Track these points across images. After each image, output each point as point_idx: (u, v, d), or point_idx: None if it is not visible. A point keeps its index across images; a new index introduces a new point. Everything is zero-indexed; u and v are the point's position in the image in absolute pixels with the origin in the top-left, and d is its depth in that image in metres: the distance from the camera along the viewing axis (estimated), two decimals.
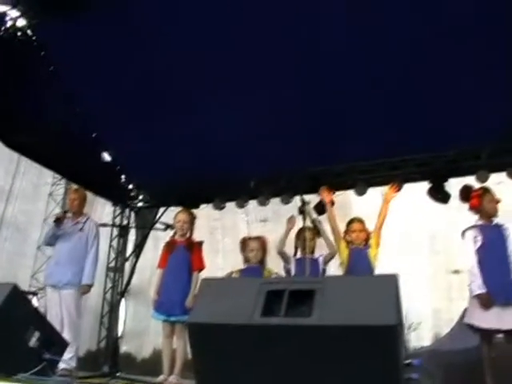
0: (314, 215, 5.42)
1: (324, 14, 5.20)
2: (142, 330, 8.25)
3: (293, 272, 5.43)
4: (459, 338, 6.85)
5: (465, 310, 5.16)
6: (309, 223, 5.11)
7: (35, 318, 3.81)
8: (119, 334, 8.07)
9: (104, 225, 7.40)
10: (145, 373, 7.09)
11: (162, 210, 8.08)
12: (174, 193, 7.85)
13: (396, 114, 5.99)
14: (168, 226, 6.45)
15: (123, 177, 7.95)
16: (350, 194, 7.22)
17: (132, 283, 8.17)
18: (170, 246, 5.70)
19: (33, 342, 3.64)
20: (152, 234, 8.08)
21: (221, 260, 8.40)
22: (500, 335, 4.72)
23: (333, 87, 5.84)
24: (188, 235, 5.73)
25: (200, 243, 5.75)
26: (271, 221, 7.87)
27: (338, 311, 2.63)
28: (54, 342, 3.97)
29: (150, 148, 7.03)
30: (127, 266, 8.28)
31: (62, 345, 4.21)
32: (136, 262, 8.12)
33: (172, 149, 6.94)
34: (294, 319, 2.66)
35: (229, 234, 8.43)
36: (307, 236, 5.14)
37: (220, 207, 7.80)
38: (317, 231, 5.42)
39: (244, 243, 5.75)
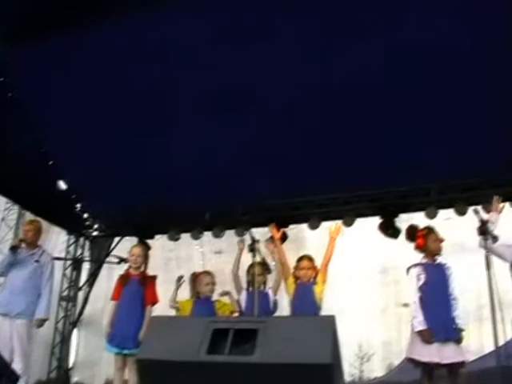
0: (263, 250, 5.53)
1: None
2: (94, 360, 8.18)
3: (243, 304, 5.53)
4: (408, 369, 7.02)
5: None
6: (258, 259, 5.22)
7: None
8: (70, 364, 8.00)
9: (58, 258, 7.35)
10: None
11: (116, 239, 8.12)
12: (129, 223, 7.90)
13: (350, 151, 6.19)
14: (122, 260, 6.48)
15: (78, 205, 7.94)
16: (304, 228, 7.40)
17: (85, 313, 8.14)
18: (124, 278, 5.74)
19: None
20: (106, 264, 8.08)
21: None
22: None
23: (286, 125, 6.02)
24: (142, 269, 5.79)
25: (154, 277, 5.81)
26: (226, 252, 7.94)
27: (278, 350, 2.74)
28: (5, 374, 3.97)
29: (106, 178, 7.08)
30: (80, 295, 8.24)
31: (13, 377, 4.21)
32: (89, 291, 8.09)
33: (128, 179, 6.98)
34: (237, 357, 2.76)
35: (183, 266, 8.46)
36: (256, 271, 5.25)
37: (175, 238, 7.87)
38: (266, 267, 5.55)
39: (197, 277, 5.83)
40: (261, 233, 6.46)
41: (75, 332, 8.12)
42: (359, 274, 7.45)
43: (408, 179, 6.46)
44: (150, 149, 6.63)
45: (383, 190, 6.89)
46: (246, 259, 5.73)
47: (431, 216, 6.64)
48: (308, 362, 2.66)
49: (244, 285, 5.67)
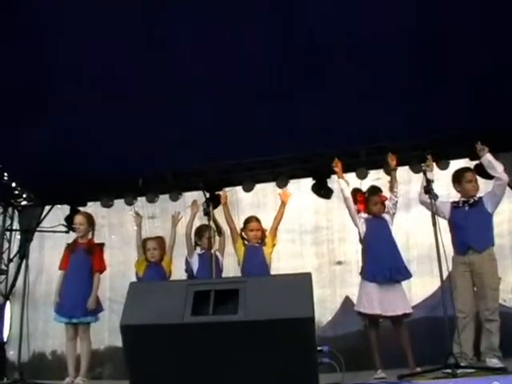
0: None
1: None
2: (29, 333, 8.03)
3: (195, 266, 5.64)
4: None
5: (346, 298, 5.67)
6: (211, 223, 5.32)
7: None
8: (5, 338, 7.83)
9: None
10: (34, 377, 6.95)
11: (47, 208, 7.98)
12: (60, 191, 7.76)
13: (282, 114, 6.30)
14: (64, 226, 6.35)
15: (6, 174, 7.70)
16: (238, 190, 7.54)
17: (17, 285, 7.96)
18: (71, 247, 5.69)
19: None
20: (37, 234, 7.90)
21: (108, 257, 8.39)
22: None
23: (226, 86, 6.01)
24: (89, 237, 5.75)
25: (101, 245, 5.80)
26: (159, 217, 7.97)
27: (261, 307, 2.87)
28: None
29: (33, 146, 6.88)
30: (11, 267, 8.05)
31: None
32: (21, 263, 7.91)
33: (55, 147, 6.81)
34: (221, 317, 2.87)
35: (116, 232, 8.41)
36: (212, 234, 5.35)
37: (108, 205, 7.82)
38: (218, 230, 5.66)
39: (144, 242, 5.88)
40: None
41: (8, 305, 7.93)
42: (293, 234, 7.70)
43: (339, 142, 6.67)
44: (74, 119, 6.46)
45: (314, 151, 7.10)
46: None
47: (362, 176, 6.95)
48: (291, 316, 2.81)
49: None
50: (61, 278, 5.62)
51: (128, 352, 2.93)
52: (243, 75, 5.75)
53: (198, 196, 6.37)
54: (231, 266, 6.09)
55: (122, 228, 8.35)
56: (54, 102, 6.19)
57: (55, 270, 5.96)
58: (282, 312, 2.83)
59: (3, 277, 7.97)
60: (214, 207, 6.01)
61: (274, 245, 5.63)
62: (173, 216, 6.07)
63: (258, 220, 5.70)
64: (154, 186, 7.72)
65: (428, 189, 4.57)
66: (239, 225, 5.84)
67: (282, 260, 6.88)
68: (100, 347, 7.38)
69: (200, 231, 5.75)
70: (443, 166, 6.50)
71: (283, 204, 5.74)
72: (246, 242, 5.64)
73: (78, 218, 5.83)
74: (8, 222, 8.10)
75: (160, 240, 5.90)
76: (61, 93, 6.04)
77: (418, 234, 6.66)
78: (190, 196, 7.32)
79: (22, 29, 5.24)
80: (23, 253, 7.88)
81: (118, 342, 3.23)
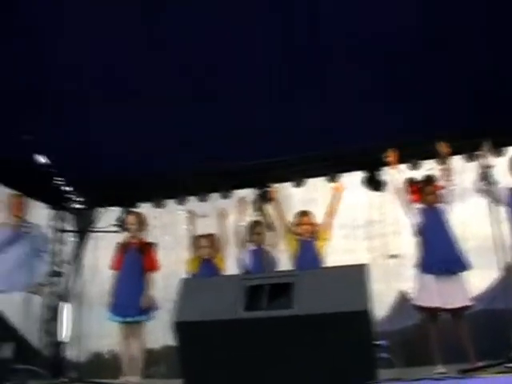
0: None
1: None
2: (85, 333, 8.16)
3: (248, 262, 5.60)
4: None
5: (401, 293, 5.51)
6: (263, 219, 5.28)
7: (4, 329, 3.78)
8: (63, 339, 7.95)
9: (48, 229, 7.26)
10: (94, 376, 7.07)
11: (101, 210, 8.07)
12: (111, 193, 7.83)
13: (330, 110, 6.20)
14: (118, 227, 6.41)
15: (58, 178, 7.81)
16: (288, 186, 7.47)
17: (74, 286, 8.07)
18: (123, 247, 5.74)
19: (4, 353, 3.62)
20: (90, 235, 8.02)
21: (161, 257, 8.44)
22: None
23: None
24: (140, 236, 5.79)
25: (153, 244, 5.82)
26: (211, 216, 7.96)
27: (315, 301, 2.81)
28: (25, 352, 3.95)
29: (84, 149, 6.97)
30: (67, 268, 8.16)
31: (33, 353, 4.19)
32: (76, 264, 8.02)
33: (106, 150, 6.88)
34: (276, 311, 2.82)
35: (168, 232, 8.45)
36: (263, 230, 5.31)
37: (160, 205, 7.86)
38: (270, 226, 5.60)
39: (196, 240, 5.87)
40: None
41: (65, 306, 8.05)
42: (346, 229, 7.60)
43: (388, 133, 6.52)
44: (125, 117, 6.50)
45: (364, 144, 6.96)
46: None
47: (414, 167, 6.79)
48: (345, 310, 2.74)
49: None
50: (114, 278, 5.66)
51: (180, 349, 2.91)
52: None
53: (249, 193, 6.35)
54: (283, 261, 6.02)
55: (174, 228, 8.37)
56: (94, 101, 6.26)
57: (109, 271, 6.02)
58: (336, 305, 2.77)
59: (59, 279, 8.09)
60: (265, 203, 5.98)
61: (327, 239, 5.54)
62: (221, 213, 6.04)
63: (309, 214, 5.62)
64: (205, 185, 7.71)
65: (485, 175, 4.41)
66: (290, 220, 5.76)
67: (335, 255, 6.77)
68: (154, 346, 7.44)
69: (251, 227, 5.71)
70: (499, 153, 6.29)
71: (337, 197, 5.64)
72: (298, 237, 5.56)
73: (130, 218, 5.88)
74: (62, 224, 8.20)
75: (212, 237, 5.88)
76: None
77: (474, 224, 6.46)
78: (240, 193, 7.29)
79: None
80: (78, 254, 8.03)
81: (173, 341, 3.22)
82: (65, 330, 7.86)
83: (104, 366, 7.90)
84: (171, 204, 7.89)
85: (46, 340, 7.81)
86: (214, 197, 7.69)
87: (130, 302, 5.48)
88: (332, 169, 7.22)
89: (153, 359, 6.51)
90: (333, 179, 7.11)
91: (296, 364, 2.80)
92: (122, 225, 5.83)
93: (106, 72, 5.79)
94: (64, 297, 8.01)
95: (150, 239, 6.14)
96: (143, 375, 5.50)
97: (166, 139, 6.62)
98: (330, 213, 5.62)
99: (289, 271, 3.82)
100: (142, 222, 5.86)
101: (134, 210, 7.45)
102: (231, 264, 5.92)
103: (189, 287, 3.05)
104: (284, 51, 5.45)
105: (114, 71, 5.81)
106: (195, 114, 6.30)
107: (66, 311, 7.99)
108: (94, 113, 6.45)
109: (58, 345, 7.72)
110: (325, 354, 2.80)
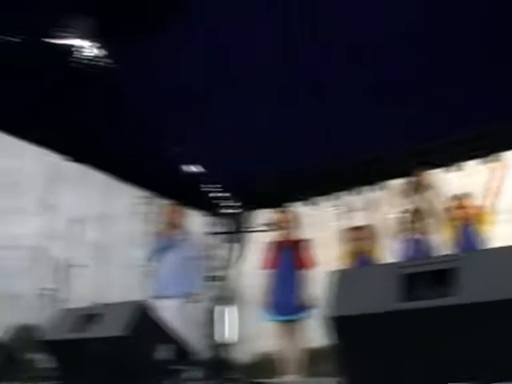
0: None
1: None
2: (248, 334, 8.24)
3: (404, 251, 5.33)
4: None
5: None
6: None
7: (162, 331, 3.84)
8: (226, 340, 8.09)
9: (203, 235, 7.43)
10: (255, 376, 7.08)
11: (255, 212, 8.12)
12: (263, 195, 7.87)
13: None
14: (268, 226, 6.38)
15: (211, 185, 7.99)
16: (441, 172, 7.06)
17: (234, 289, 8.20)
18: (275, 245, 5.69)
19: (162, 354, 3.65)
20: (245, 236, 8.10)
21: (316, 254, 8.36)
22: None
23: None
24: (292, 234, 5.71)
25: (306, 240, 5.72)
26: (364, 209, 7.74)
27: (481, 287, 2.51)
28: (181, 353, 3.99)
29: (232, 152, 7.04)
30: (227, 272, 8.31)
31: (189, 355, 4.23)
32: (234, 268, 8.14)
33: (258, 153, 6.92)
34: (438, 300, 2.56)
35: (321, 229, 8.34)
36: (420, 219, 5.04)
37: (312, 203, 7.77)
38: (425, 213, 5.32)
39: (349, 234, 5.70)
40: None
41: (225, 309, 8.19)
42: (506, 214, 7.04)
43: None
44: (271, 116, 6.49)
45: None
46: None
47: None
48: None
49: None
50: (268, 277, 5.62)
51: (338, 345, 2.74)
52: None
53: (402, 182, 6.08)
54: (442, 250, 5.66)
55: (327, 224, 8.26)
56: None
57: (264, 271, 5.99)
58: (505, 292, 2.44)
59: (217, 283, 8.24)
60: (420, 191, 5.68)
61: (488, 223, 5.12)
62: (373, 205, 5.81)
63: (467, 197, 5.23)
64: (358, 178, 7.51)
65: None
66: (447, 206, 5.40)
67: (497, 243, 6.27)
68: (314, 344, 7.33)
69: (406, 217, 5.43)
70: None
71: (498, 178, 5.20)
72: (457, 223, 5.19)
73: (281, 216, 5.84)
74: (217, 230, 8.36)
75: (366, 229, 5.67)
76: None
77: None
78: (393, 183, 7.02)
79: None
80: (234, 258, 8.13)
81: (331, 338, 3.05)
82: (226, 333, 8.00)
83: (264, 366, 7.91)
84: (323, 201, 7.79)
85: (207, 342, 8.00)
86: (366, 189, 7.48)
87: (287, 300, 5.41)
88: (491, 149, 6.71)
89: (313, 358, 6.38)
90: (493, 159, 6.61)
91: (460, 358, 2.52)
92: (274, 224, 5.73)
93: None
94: (223, 300, 8.16)
95: (303, 237, 6.03)
96: (304, 374, 5.40)
97: (315, 133, 6.53)
98: (491, 195, 5.17)
99: (450, 256, 3.48)
100: (293, 220, 5.80)
101: (286, 209, 7.44)
102: (387, 256, 5.67)
103: (343, 279, 2.87)
104: None
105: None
106: (348, 105, 6.19)
107: (226, 314, 8.14)
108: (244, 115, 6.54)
109: (218, 347, 7.87)
110: (497, 347, 2.49)
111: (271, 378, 5.80)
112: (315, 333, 6.82)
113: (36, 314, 5.65)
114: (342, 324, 2.69)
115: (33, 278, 6.37)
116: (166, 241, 6.09)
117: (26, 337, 5.97)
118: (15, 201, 6.89)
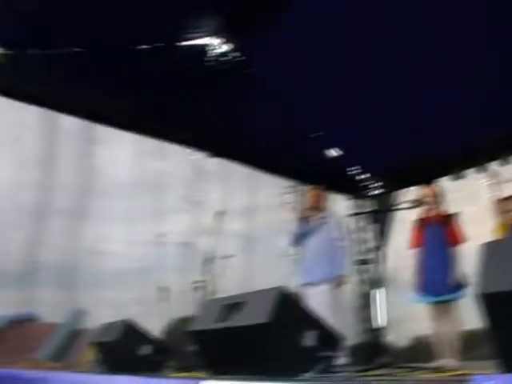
0: None
1: None
2: (400, 317, 8.02)
3: None
4: None
5: None
6: None
7: (307, 317, 3.76)
8: (379, 324, 7.93)
9: (348, 218, 7.36)
10: (408, 361, 6.86)
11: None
12: (407, 174, 7.63)
13: None
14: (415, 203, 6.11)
15: (353, 168, 7.90)
16: None
17: (383, 271, 8.03)
18: (421, 223, 5.42)
19: (308, 341, 3.58)
20: (392, 218, 7.92)
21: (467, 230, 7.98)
22: None
23: None
24: (438, 209, 5.42)
25: (455, 215, 5.39)
26: None
27: None
28: (328, 339, 3.89)
29: (376, 135, 6.91)
30: (375, 254, 8.16)
31: (336, 341, 4.12)
32: (382, 249, 7.98)
33: (396, 132, 6.74)
34: None
35: (471, 203, 7.90)
36: None
37: (458, 177, 7.40)
38: None
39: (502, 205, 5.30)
40: None
41: (377, 292, 8.04)
42: None
43: None
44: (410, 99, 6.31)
45: None
46: None
47: None
48: None
49: None
50: (416, 256, 5.37)
51: (490, 325, 2.50)
52: None
53: None
54: None
55: (477, 198, 7.83)
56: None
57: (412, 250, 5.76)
58: None
59: (367, 266, 8.10)
60: None
61: None
62: None
63: None
64: (505, 147, 7.05)
65: None
66: None
67: None
68: (472, 326, 6.96)
69: None
70: None
71: None
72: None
73: (426, 192, 5.52)
74: (362, 212, 8.24)
75: None
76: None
77: None
78: None
79: None
80: (381, 239, 7.97)
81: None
82: (379, 316, 7.84)
83: (419, 349, 7.65)
84: (471, 174, 7.39)
85: (360, 327, 7.89)
86: None
87: (439, 279, 5.10)
88: None
89: (469, 340, 6.04)
90: None
91: None
92: (418, 200, 5.46)
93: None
94: (375, 283, 8.01)
95: (451, 212, 5.71)
96: (460, 358, 5.09)
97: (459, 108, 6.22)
98: None
99: None
100: (438, 195, 5.46)
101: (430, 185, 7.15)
102: None
103: (493, 252, 2.63)
104: None
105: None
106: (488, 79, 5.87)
107: (379, 297, 7.98)
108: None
109: (373, 331, 7.73)
110: None
111: (426, 362, 5.55)
112: (471, 314, 6.48)
113: (189, 307, 5.82)
114: (492, 302, 2.47)
115: (184, 272, 6.58)
116: (310, 225, 6.00)
117: (182, 329, 6.18)
118: (164, 200, 7.16)
